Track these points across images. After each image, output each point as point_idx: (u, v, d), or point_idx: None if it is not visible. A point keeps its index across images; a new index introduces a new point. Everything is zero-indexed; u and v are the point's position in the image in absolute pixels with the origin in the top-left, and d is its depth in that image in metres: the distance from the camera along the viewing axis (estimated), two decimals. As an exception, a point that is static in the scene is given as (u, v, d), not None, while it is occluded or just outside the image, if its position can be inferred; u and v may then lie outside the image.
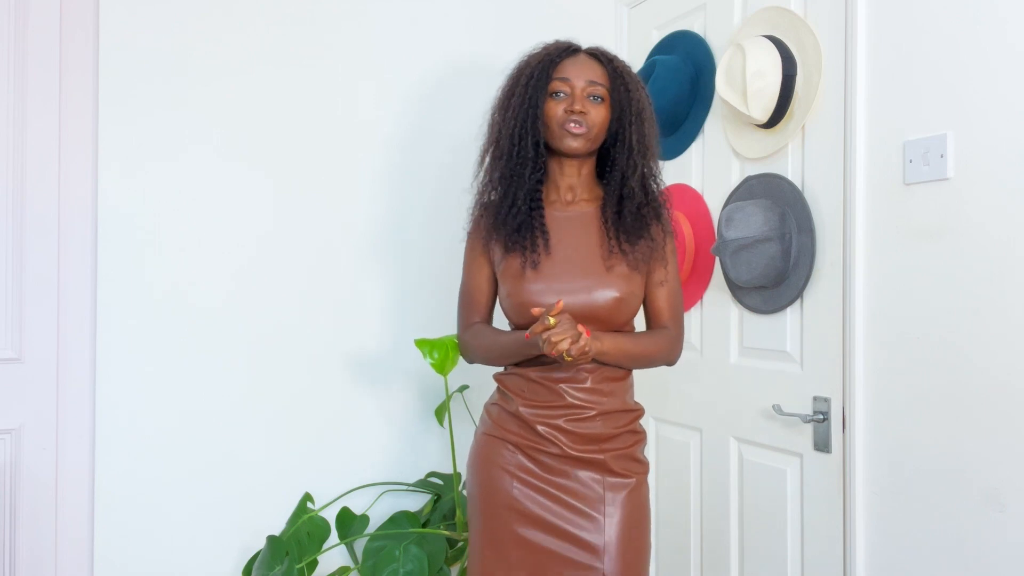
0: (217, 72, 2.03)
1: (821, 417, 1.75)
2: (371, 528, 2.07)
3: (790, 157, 1.86)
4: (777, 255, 1.82)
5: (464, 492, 2.15)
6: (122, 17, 1.94)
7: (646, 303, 1.59)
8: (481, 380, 2.32)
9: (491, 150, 1.59)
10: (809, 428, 1.80)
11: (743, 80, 1.80)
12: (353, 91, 2.18)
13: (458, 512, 1.99)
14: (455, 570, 2.02)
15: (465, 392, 2.30)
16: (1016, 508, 1.40)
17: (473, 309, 1.63)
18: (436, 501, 2.13)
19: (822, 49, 1.76)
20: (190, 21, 2.00)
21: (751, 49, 1.80)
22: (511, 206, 1.54)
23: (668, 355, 1.58)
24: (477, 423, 1.64)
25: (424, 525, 2.00)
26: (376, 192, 2.20)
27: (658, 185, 1.58)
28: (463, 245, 2.29)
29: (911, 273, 1.57)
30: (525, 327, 1.50)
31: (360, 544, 2.14)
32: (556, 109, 1.51)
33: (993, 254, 1.43)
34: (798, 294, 1.82)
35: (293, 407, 2.11)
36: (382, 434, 2.22)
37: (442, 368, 1.88)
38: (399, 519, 1.97)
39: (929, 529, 1.54)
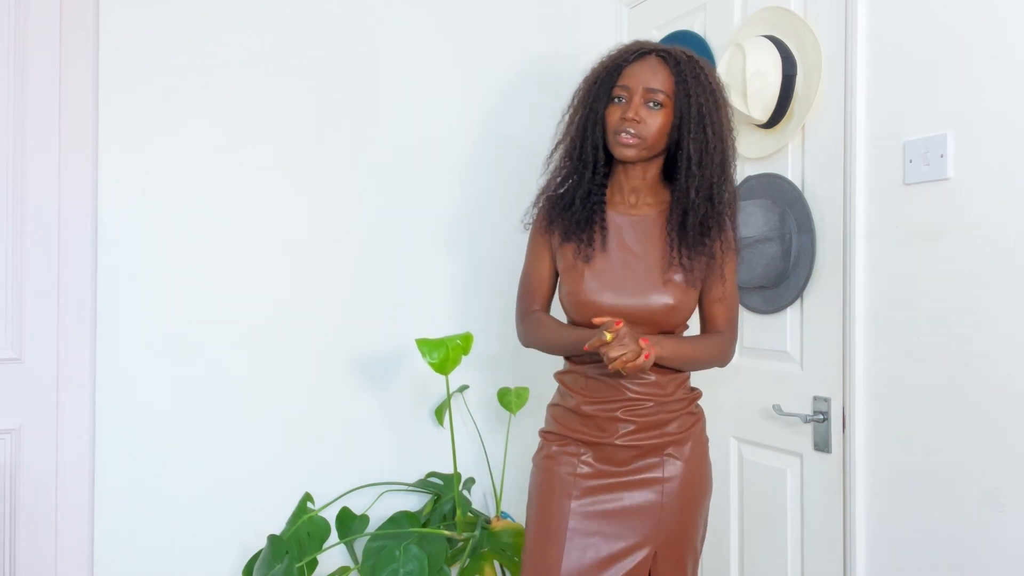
0: (220, 69, 2.03)
1: (821, 417, 1.75)
2: (371, 528, 2.07)
3: (790, 157, 1.86)
4: (777, 255, 1.82)
5: (464, 492, 2.16)
6: (122, 16, 1.93)
7: (702, 312, 1.61)
8: (482, 380, 2.33)
9: (558, 148, 1.62)
10: (809, 428, 1.80)
11: (743, 80, 1.81)
12: (357, 95, 2.18)
13: (458, 512, 1.99)
14: (455, 570, 2.02)
15: (465, 392, 2.30)
16: (1016, 508, 1.40)
17: (533, 297, 1.66)
18: (436, 501, 2.13)
19: (822, 49, 1.76)
20: (194, 19, 2.00)
21: (751, 49, 1.80)
22: (571, 203, 1.58)
23: (722, 358, 1.60)
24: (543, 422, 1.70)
25: (424, 525, 2.00)
26: (377, 193, 2.20)
27: (727, 195, 1.53)
28: (463, 248, 2.31)
29: (911, 273, 1.58)
30: (581, 323, 1.55)
31: (360, 544, 2.14)
32: (614, 115, 1.51)
33: (993, 254, 1.43)
34: (798, 294, 1.82)
35: (293, 407, 2.11)
36: (382, 434, 2.22)
37: (442, 368, 1.88)
38: (399, 519, 1.97)
39: (929, 529, 1.54)
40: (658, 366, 1.52)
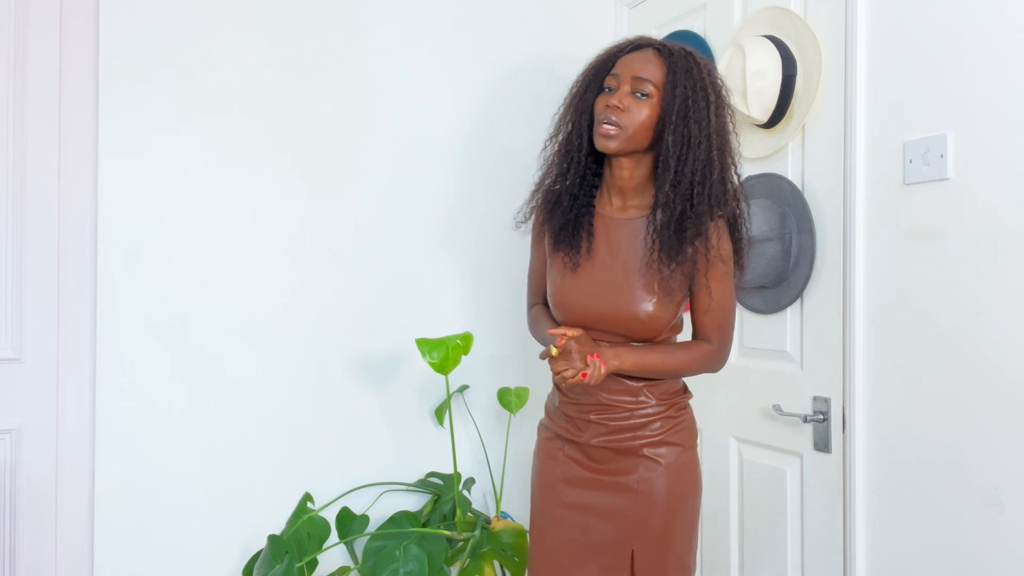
0: (221, 68, 2.02)
1: (821, 417, 1.75)
2: (371, 528, 2.07)
3: (790, 157, 1.86)
4: (777, 255, 1.82)
5: (464, 492, 2.16)
6: (122, 15, 1.93)
7: (692, 318, 1.56)
8: (482, 380, 2.33)
9: (551, 142, 1.61)
10: (809, 428, 1.80)
11: (743, 80, 1.81)
12: (359, 94, 2.18)
13: (458, 512, 1.99)
14: (455, 570, 2.02)
15: (465, 392, 2.30)
16: (1016, 508, 1.40)
17: (534, 291, 1.72)
18: (436, 501, 2.13)
19: (822, 49, 1.76)
20: (193, 17, 2.00)
21: (751, 49, 1.80)
22: (557, 201, 1.58)
23: (706, 368, 1.54)
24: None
25: (424, 525, 2.00)
26: (378, 192, 2.20)
27: (713, 199, 1.44)
28: (464, 248, 2.31)
29: (911, 273, 1.58)
30: (563, 323, 1.57)
31: (360, 544, 2.14)
32: (600, 104, 1.47)
33: (993, 254, 1.43)
34: (798, 294, 1.82)
35: (293, 407, 2.11)
36: (382, 434, 2.22)
37: (442, 368, 1.88)
38: (399, 519, 1.97)
39: (929, 529, 1.54)
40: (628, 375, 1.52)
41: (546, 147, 1.62)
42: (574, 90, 1.57)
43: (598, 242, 1.53)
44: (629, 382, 1.52)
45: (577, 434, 1.56)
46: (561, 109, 1.59)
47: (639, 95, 1.44)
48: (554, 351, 1.39)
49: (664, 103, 1.44)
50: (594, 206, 1.56)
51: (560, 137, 1.57)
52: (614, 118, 1.43)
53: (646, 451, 1.52)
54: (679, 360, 1.51)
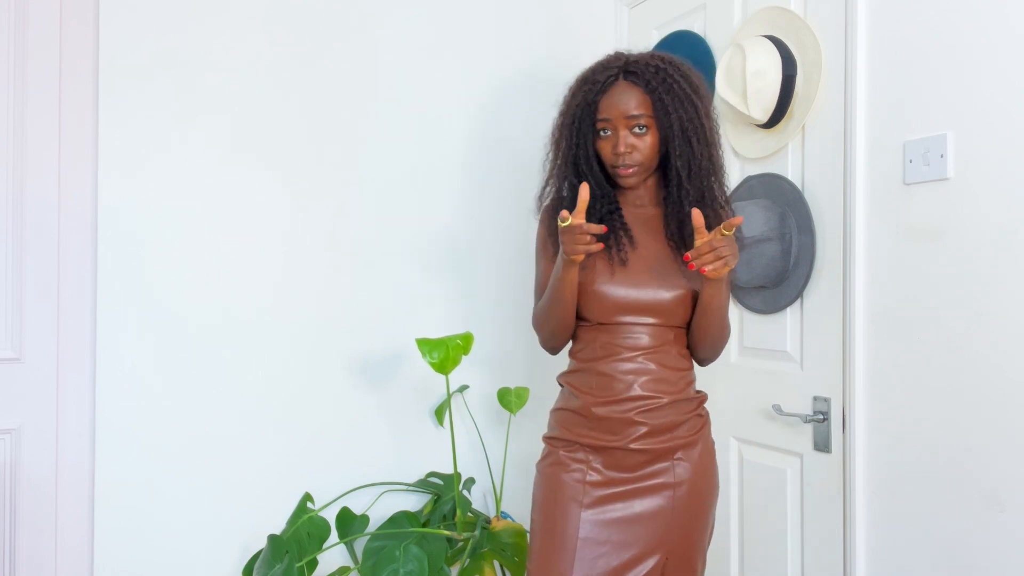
0: (225, 67, 2.03)
1: (821, 417, 1.75)
2: (371, 528, 2.07)
3: (790, 157, 1.86)
4: (777, 255, 1.82)
5: (464, 492, 2.16)
6: (123, 16, 1.93)
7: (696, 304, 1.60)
8: (482, 380, 2.33)
9: (549, 186, 1.63)
10: (809, 428, 1.80)
11: (743, 80, 1.81)
12: (358, 98, 2.18)
13: (458, 512, 1.99)
14: (455, 570, 2.02)
15: (465, 392, 2.30)
16: (1016, 508, 1.40)
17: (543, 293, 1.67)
18: (436, 501, 2.13)
19: (822, 49, 1.76)
20: (196, 20, 2.00)
21: (751, 49, 1.80)
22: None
23: (725, 338, 1.59)
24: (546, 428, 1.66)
25: (424, 525, 2.00)
26: (379, 194, 2.20)
27: (720, 203, 1.56)
28: (463, 248, 2.31)
29: (911, 273, 1.58)
30: (591, 319, 1.55)
31: (360, 544, 2.14)
32: (606, 148, 1.55)
33: (993, 254, 1.43)
34: (798, 294, 1.82)
35: (293, 407, 2.11)
36: (382, 434, 2.22)
37: (443, 368, 1.88)
38: (399, 519, 1.97)
39: (929, 529, 1.54)
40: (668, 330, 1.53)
41: (544, 195, 1.64)
42: (562, 137, 1.58)
43: (635, 233, 1.58)
44: (667, 373, 1.52)
45: (609, 439, 1.50)
46: (549, 154, 1.62)
47: (637, 129, 1.52)
48: (726, 231, 1.34)
49: (661, 127, 1.52)
50: (621, 208, 1.61)
51: (564, 184, 1.60)
52: (628, 161, 1.52)
53: (680, 453, 1.53)
54: (726, 312, 1.56)
